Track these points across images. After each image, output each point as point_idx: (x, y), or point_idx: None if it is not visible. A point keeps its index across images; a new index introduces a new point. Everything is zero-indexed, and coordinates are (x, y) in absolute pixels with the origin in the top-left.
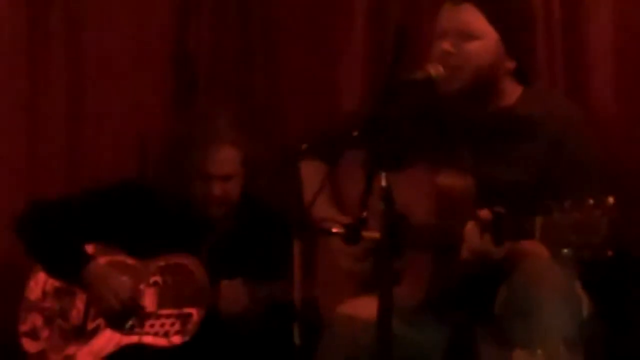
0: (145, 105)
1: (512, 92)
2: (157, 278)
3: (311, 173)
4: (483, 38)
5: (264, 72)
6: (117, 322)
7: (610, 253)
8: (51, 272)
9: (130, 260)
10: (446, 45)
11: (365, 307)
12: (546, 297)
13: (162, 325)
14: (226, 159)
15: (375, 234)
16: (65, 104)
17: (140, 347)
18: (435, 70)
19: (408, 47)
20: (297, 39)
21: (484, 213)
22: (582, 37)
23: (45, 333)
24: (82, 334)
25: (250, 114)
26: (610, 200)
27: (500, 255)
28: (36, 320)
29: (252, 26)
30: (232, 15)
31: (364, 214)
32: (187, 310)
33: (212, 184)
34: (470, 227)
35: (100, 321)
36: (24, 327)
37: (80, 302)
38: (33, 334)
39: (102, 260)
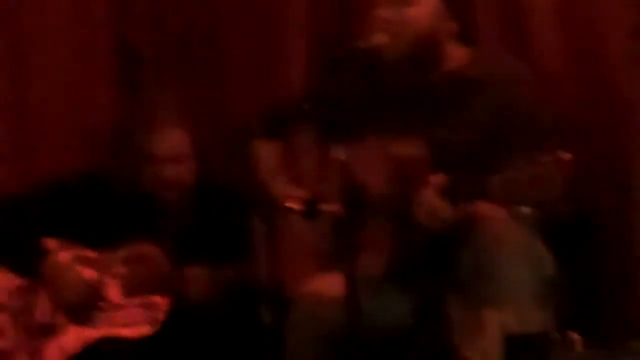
0: (90, 96)
1: (457, 54)
2: (120, 269)
3: (265, 151)
4: (421, 3)
5: (208, 53)
6: (78, 315)
7: (568, 208)
8: (11, 268)
9: (91, 253)
10: (386, 13)
11: (332, 284)
12: (508, 257)
13: (129, 315)
14: (173, 140)
15: (334, 207)
16: (9, 99)
17: (111, 340)
18: (378, 39)
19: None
20: (239, 15)
21: (438, 177)
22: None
23: (11, 332)
24: (49, 331)
25: (196, 96)
26: (566, 155)
27: (454, 216)
28: (2, 319)
29: (193, 7)
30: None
31: (321, 187)
32: (152, 299)
33: (162, 166)
34: (425, 191)
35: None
36: None
37: (45, 299)
38: None
39: (63, 254)
